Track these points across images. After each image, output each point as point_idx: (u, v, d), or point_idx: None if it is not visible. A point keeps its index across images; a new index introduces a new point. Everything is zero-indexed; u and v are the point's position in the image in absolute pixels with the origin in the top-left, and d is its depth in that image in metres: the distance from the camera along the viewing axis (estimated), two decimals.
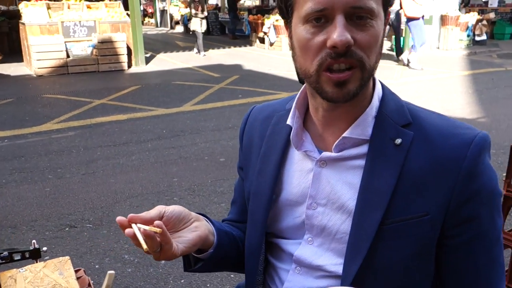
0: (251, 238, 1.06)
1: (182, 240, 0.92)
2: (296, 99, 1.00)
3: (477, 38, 13.84)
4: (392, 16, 10.62)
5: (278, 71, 10.43)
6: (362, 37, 0.83)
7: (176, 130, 6.27)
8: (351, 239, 0.91)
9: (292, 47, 0.92)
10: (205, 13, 13.27)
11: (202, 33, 13.30)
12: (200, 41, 13.17)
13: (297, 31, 0.87)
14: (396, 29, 11.06)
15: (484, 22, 13.83)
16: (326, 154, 0.94)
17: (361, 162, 0.92)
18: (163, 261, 3.16)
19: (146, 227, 0.86)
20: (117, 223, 0.88)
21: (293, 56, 0.92)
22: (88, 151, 5.47)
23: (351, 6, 0.81)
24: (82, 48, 10.83)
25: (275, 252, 1.06)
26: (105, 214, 3.89)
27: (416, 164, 0.88)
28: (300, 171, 0.99)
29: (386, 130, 0.91)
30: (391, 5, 0.90)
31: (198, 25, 12.97)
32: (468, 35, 13.62)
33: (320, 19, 0.83)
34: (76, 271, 1.06)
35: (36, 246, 1.10)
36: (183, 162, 5.08)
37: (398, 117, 0.92)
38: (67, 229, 3.64)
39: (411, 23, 9.81)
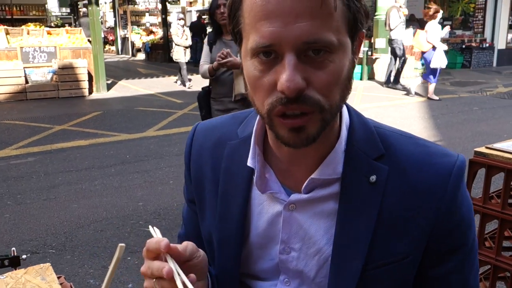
0: (224, 284, 0.94)
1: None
2: (254, 132, 0.88)
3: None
4: (397, 45, 11.03)
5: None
6: (318, 77, 0.70)
7: (140, 155, 6.21)
8: (331, 285, 0.85)
9: (244, 79, 0.80)
10: (189, 42, 12.19)
11: (186, 62, 12.36)
12: (184, 71, 12.31)
13: (246, 64, 0.75)
14: (400, 58, 11.28)
15: None
16: (295, 196, 0.85)
17: (334, 203, 0.84)
18: (130, 284, 3.10)
19: (183, 277, 0.74)
20: (161, 248, 0.75)
21: (246, 88, 0.79)
22: (49, 177, 5.34)
23: (303, 41, 0.68)
24: (42, 74, 10.63)
25: None
26: (68, 239, 3.78)
27: (393, 203, 0.81)
28: (267, 213, 0.88)
29: (358, 166, 0.82)
30: (358, 30, 0.75)
31: (182, 54, 11.92)
32: (422, 64, 14.20)
33: (270, 54, 0.71)
34: (58, 277, 1.04)
35: (16, 253, 1.07)
36: (148, 186, 5.02)
37: (369, 149, 0.84)
38: (28, 255, 3.52)
39: (426, 55, 9.96)
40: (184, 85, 12.40)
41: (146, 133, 7.40)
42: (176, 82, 12.95)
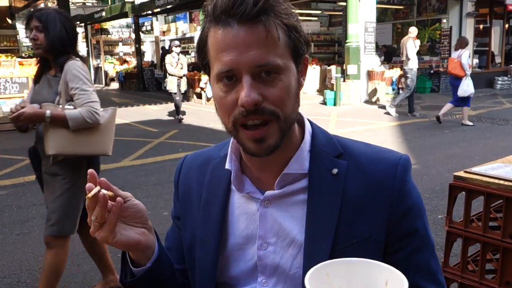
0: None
1: (124, 233, 0.92)
2: (230, 144, 1.03)
3: (401, 92, 14.80)
4: (411, 76, 11.18)
5: (216, 125, 10.50)
6: (271, 92, 0.87)
7: (116, 185, 5.80)
8: (304, 271, 0.92)
9: (214, 102, 0.97)
10: (184, 71, 11.26)
11: (182, 94, 11.54)
12: (178, 103, 11.35)
13: (214, 88, 0.92)
14: (409, 88, 11.40)
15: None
16: (269, 192, 0.98)
17: (304, 195, 0.97)
18: None
19: (106, 192, 0.87)
20: (88, 174, 0.87)
21: (216, 110, 0.96)
22: (22, 210, 5.18)
23: (255, 65, 0.86)
24: (13, 105, 10.44)
25: None
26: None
27: (353, 191, 0.96)
28: (245, 213, 1.01)
29: (322, 162, 0.98)
30: (300, 55, 0.93)
31: (175, 85, 11.10)
32: (393, 89, 14.56)
33: (231, 78, 0.88)
34: None
35: None
36: None
37: (330, 149, 1.00)
38: None
39: (454, 81, 10.09)
40: (177, 116, 11.46)
41: (122, 163, 7.30)
42: (180, 119, 11.43)
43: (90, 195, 0.85)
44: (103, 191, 0.86)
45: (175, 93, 11.18)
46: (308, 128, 1.03)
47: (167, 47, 19.09)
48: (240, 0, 0.84)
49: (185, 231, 1.10)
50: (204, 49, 0.93)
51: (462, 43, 10.19)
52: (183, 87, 11.36)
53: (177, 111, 11.43)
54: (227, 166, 1.02)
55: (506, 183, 1.90)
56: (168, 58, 11.29)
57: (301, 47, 0.92)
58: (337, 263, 0.80)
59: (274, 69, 0.87)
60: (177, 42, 11.75)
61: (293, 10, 0.91)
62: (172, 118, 11.96)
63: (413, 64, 11.29)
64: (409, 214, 0.96)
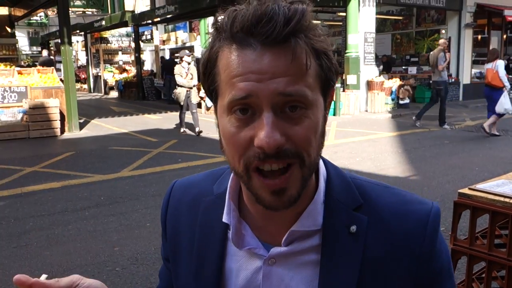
0: None
1: None
2: (228, 188, 0.87)
3: (400, 102, 14.84)
4: (443, 87, 10.96)
5: (216, 135, 10.48)
6: (296, 131, 0.72)
7: (115, 196, 6.07)
8: None
9: (219, 137, 0.81)
10: (195, 82, 10.59)
11: (194, 103, 10.74)
12: (183, 115, 10.80)
13: (222, 121, 0.77)
14: (443, 99, 11.18)
15: (407, 87, 14.93)
16: (275, 250, 0.83)
17: (316, 255, 0.83)
18: None
19: None
20: (14, 282, 0.73)
21: (221, 148, 0.81)
22: (19, 222, 5.14)
23: (279, 92, 0.70)
24: (12, 114, 10.43)
25: None
26: None
27: (374, 253, 0.82)
28: (245, 270, 0.86)
29: (338, 217, 0.83)
30: (330, 87, 0.79)
31: (183, 96, 10.47)
32: (392, 99, 14.59)
33: (247, 111, 0.72)
34: None
35: None
36: (124, 230, 4.88)
37: (348, 199, 0.85)
38: None
39: (495, 92, 9.98)
40: (180, 129, 11.04)
41: (121, 173, 7.27)
42: (183, 131, 11.01)
43: None
44: None
45: (184, 106, 10.57)
46: (322, 172, 0.87)
47: (167, 57, 19.17)
48: (269, 17, 0.70)
49: (176, 281, 0.96)
50: (212, 71, 0.77)
51: (494, 54, 10.14)
52: (194, 99, 10.64)
53: (181, 122, 10.98)
54: (224, 219, 0.86)
55: (511, 201, 1.87)
56: (177, 68, 10.54)
57: (332, 78, 0.78)
58: None
59: (301, 102, 0.72)
60: (187, 52, 11.15)
61: (325, 33, 0.77)
62: (171, 127, 11.94)
63: (444, 76, 11.06)
64: (436, 279, 0.84)
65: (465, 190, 2.03)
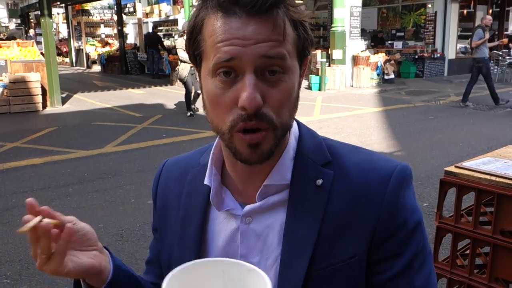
0: None
1: (75, 260, 0.84)
2: (211, 154, 0.93)
3: (386, 77, 14.84)
4: (485, 64, 10.47)
5: (201, 110, 10.43)
6: (273, 94, 0.78)
7: (99, 172, 6.01)
8: None
9: (202, 98, 0.86)
10: None
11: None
12: (189, 94, 9.60)
13: (207, 83, 0.82)
14: (486, 77, 10.64)
15: (392, 62, 14.92)
16: (248, 207, 0.89)
17: (285, 208, 0.88)
18: None
19: (48, 220, 0.78)
20: (26, 203, 0.79)
21: (204, 108, 0.86)
22: (1, 199, 5.06)
23: (262, 55, 0.76)
24: None
25: None
26: (24, 267, 3.57)
27: (338, 205, 0.86)
28: (225, 231, 0.92)
29: (306, 172, 0.88)
30: (305, 56, 0.85)
31: (187, 73, 9.34)
32: (378, 74, 14.57)
33: (230, 73, 0.78)
34: None
35: None
36: (108, 206, 4.84)
37: (317, 156, 0.90)
38: None
39: None
40: (190, 109, 9.76)
41: (105, 149, 7.18)
42: (191, 115, 9.76)
43: (29, 225, 0.76)
44: (46, 220, 0.78)
45: (189, 82, 9.38)
46: (294, 131, 0.92)
47: (150, 30, 18.79)
48: None
49: (163, 248, 1.02)
50: (197, 38, 0.82)
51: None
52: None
53: (188, 104, 9.68)
54: (206, 181, 0.92)
55: (497, 179, 1.87)
56: (180, 41, 9.48)
57: (307, 47, 0.84)
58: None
59: (280, 66, 0.78)
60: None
61: (301, 4, 0.83)
62: (155, 102, 11.80)
63: (485, 52, 10.55)
64: (398, 234, 0.85)
65: (452, 168, 2.03)
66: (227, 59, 0.76)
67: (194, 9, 0.84)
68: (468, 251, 2.13)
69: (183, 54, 9.10)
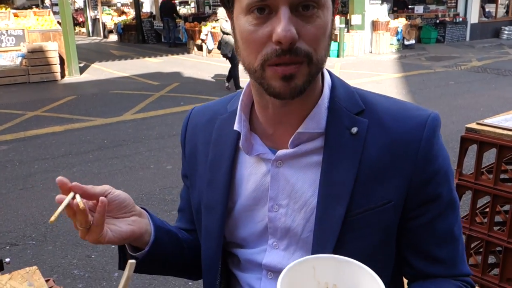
0: (207, 252, 1.00)
1: (114, 228, 0.87)
2: (240, 101, 0.93)
3: (406, 43, 14.52)
4: None
5: (218, 77, 10.41)
6: (308, 30, 0.77)
7: (118, 139, 6.08)
8: (316, 236, 0.88)
9: (235, 40, 0.85)
10: None
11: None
12: (237, 72, 8.67)
13: (239, 22, 0.80)
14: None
15: (413, 27, 14.57)
16: (281, 152, 0.89)
17: (319, 156, 0.88)
18: (116, 274, 3.04)
19: (79, 200, 0.79)
20: (56, 182, 0.81)
21: (237, 50, 0.86)
22: (24, 165, 5.17)
23: None
24: (11, 59, 10.28)
25: (240, 264, 1.00)
26: (48, 229, 3.67)
27: (374, 152, 0.86)
28: (255, 174, 0.93)
29: (340, 120, 0.88)
30: None
31: (231, 47, 8.26)
32: (398, 40, 14.26)
33: (264, 10, 0.77)
34: (46, 281, 0.97)
35: None
36: (128, 172, 4.92)
37: (350, 105, 0.90)
38: (7, 247, 3.41)
39: None
40: (231, 85, 8.97)
41: (123, 117, 7.24)
42: (227, 87, 9.09)
43: (62, 206, 0.77)
44: (77, 198, 0.79)
45: (231, 57, 8.47)
46: (327, 80, 0.92)
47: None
48: None
49: (192, 194, 1.03)
50: None
51: None
52: None
53: (229, 77, 8.98)
54: (235, 127, 0.92)
55: None
56: (221, 11, 8.50)
57: None
58: (324, 258, 0.75)
59: (315, 1, 0.76)
60: None
61: None
62: (172, 71, 11.79)
63: None
64: (433, 179, 0.87)
65: (473, 125, 1.99)
66: None
67: None
68: (487, 209, 2.11)
69: (226, 25, 8.21)
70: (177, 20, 17.49)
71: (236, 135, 0.94)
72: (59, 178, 0.80)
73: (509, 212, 1.92)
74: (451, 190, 0.91)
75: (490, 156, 2.20)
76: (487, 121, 2.00)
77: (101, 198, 0.82)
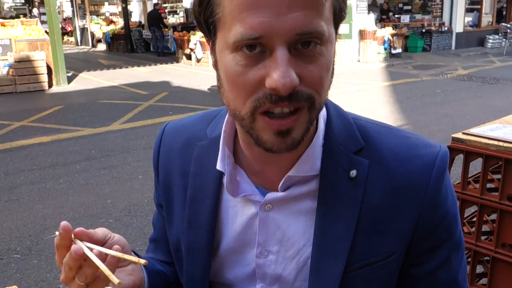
0: None
1: None
2: (222, 132, 0.82)
3: (393, 51, 14.66)
4: None
5: (207, 87, 10.40)
6: (310, 71, 0.65)
7: (106, 150, 6.03)
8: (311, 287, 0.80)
9: (217, 75, 0.72)
10: None
11: None
12: None
13: (225, 59, 0.67)
14: None
15: (399, 36, 14.72)
16: (271, 195, 0.79)
17: (313, 201, 0.79)
18: None
19: (99, 248, 0.71)
20: (60, 229, 0.71)
21: (219, 88, 0.73)
22: (9, 177, 5.11)
23: (297, 33, 0.63)
24: None
25: None
26: (33, 242, 3.62)
27: (375, 198, 0.77)
28: (241, 216, 0.83)
29: (337, 161, 0.78)
30: (343, 19, 0.72)
31: None
32: (385, 49, 14.40)
33: (255, 47, 0.64)
34: None
35: None
36: (116, 183, 4.87)
37: (349, 142, 0.79)
38: None
39: None
40: None
41: (111, 126, 7.20)
42: None
43: (102, 266, 0.69)
44: (91, 246, 0.71)
45: None
46: (323, 113, 0.80)
47: (159, 6, 18.60)
48: None
49: (170, 229, 0.92)
50: (211, 1, 0.67)
51: None
52: None
53: None
54: (218, 166, 0.81)
55: (505, 144, 1.85)
56: None
57: (344, 9, 0.71)
58: None
59: (317, 38, 0.64)
60: None
61: None
62: (161, 80, 11.75)
63: None
64: (441, 226, 0.79)
65: (459, 135, 2.01)
66: (255, 37, 0.63)
67: None
68: (474, 219, 2.12)
69: None
70: (165, 30, 17.48)
71: (219, 171, 0.83)
72: (64, 224, 0.71)
73: (496, 221, 1.93)
74: (458, 233, 0.83)
75: (477, 164, 2.22)
76: (473, 130, 2.01)
77: (116, 247, 0.73)
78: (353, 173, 0.77)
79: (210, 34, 0.71)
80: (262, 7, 0.62)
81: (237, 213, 0.83)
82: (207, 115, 0.93)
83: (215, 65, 0.73)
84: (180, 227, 0.88)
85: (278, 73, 0.62)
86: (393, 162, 0.78)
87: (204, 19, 0.69)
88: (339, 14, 0.70)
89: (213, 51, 0.73)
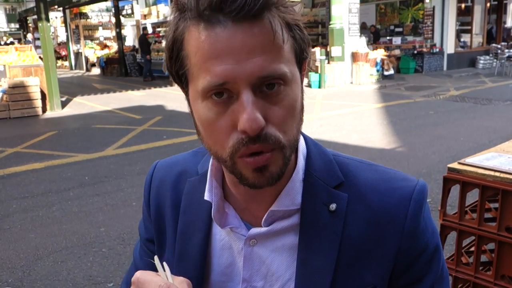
0: None
1: None
2: (210, 166, 0.85)
3: (385, 73, 14.81)
4: None
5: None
6: (276, 112, 0.69)
7: (100, 176, 5.98)
8: None
9: (194, 123, 0.77)
10: None
11: None
12: None
13: (197, 108, 0.72)
14: None
15: (392, 58, 14.90)
16: (254, 230, 0.82)
17: (295, 236, 0.81)
18: None
19: None
20: None
21: (198, 135, 0.77)
22: (1, 205, 5.04)
23: (257, 76, 0.66)
24: None
25: None
26: (25, 273, 3.55)
27: (355, 231, 0.79)
28: (228, 249, 0.85)
29: (317, 195, 0.81)
30: (305, 59, 0.75)
31: None
32: (377, 70, 14.54)
33: (222, 94, 0.68)
34: None
35: None
36: (109, 210, 4.82)
37: (328, 177, 0.82)
38: None
39: None
40: None
41: (105, 152, 7.16)
42: None
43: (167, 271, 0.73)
44: None
45: None
46: (302, 149, 0.84)
47: (147, 31, 18.76)
48: None
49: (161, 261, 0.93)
50: (179, 55, 0.72)
51: None
52: None
53: None
54: (206, 196, 0.83)
55: (502, 175, 1.85)
56: None
57: (305, 49, 0.75)
58: None
59: (280, 79, 0.69)
60: None
61: (298, 3, 0.76)
62: (155, 104, 11.77)
63: None
64: (420, 258, 0.80)
65: (455, 165, 2.00)
66: (220, 83, 0.67)
67: (170, 21, 0.73)
68: (473, 248, 2.10)
69: None
70: (159, 53, 17.59)
71: (209, 204, 0.85)
72: None
73: (494, 252, 1.91)
74: (441, 265, 0.84)
75: (474, 193, 2.21)
76: (469, 160, 2.01)
77: None
78: (333, 206, 0.80)
79: (183, 85, 0.76)
80: (224, 55, 0.66)
81: (224, 246, 0.86)
82: (197, 152, 0.96)
83: (191, 114, 0.77)
84: (171, 260, 0.89)
85: (245, 116, 0.67)
86: (372, 195, 0.81)
87: (176, 71, 0.74)
88: (301, 55, 0.74)
89: (188, 101, 0.77)
